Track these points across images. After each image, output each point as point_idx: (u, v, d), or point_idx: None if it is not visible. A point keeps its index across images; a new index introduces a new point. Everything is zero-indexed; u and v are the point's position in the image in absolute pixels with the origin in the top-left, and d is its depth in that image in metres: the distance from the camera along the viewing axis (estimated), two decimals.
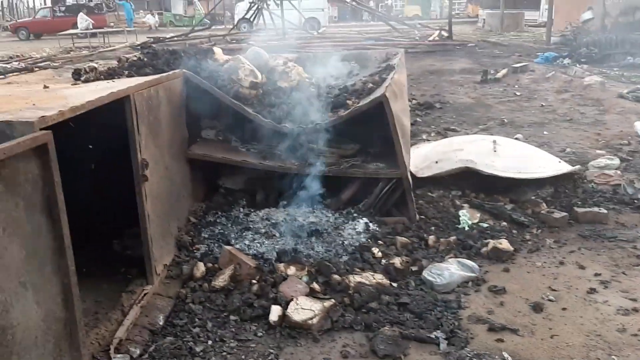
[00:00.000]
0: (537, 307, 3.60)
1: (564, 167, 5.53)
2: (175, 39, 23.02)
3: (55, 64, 16.21)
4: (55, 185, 2.56)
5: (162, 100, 4.13)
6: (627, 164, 6.13)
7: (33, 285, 2.48)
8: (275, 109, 4.86)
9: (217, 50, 5.18)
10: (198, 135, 5.02)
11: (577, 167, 5.71)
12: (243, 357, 3.22)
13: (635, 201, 5.15)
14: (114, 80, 4.44)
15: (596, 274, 4.00)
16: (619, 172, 5.72)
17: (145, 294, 3.68)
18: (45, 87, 3.94)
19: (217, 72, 4.91)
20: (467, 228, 4.68)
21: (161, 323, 3.51)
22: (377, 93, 4.55)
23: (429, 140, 7.29)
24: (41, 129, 2.55)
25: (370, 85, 4.89)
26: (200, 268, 3.99)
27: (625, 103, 9.27)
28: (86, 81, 4.58)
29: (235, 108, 4.74)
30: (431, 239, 4.45)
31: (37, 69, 14.96)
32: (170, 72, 4.48)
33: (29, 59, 18.49)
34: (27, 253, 2.43)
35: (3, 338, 2.30)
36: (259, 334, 3.42)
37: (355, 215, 4.61)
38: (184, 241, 4.28)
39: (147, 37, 24.10)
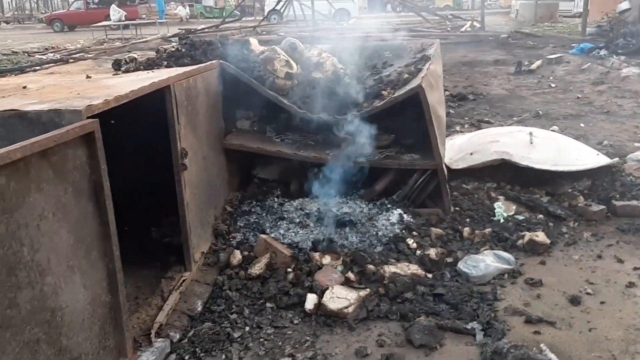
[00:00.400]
0: (574, 301, 3.56)
1: (601, 160, 5.44)
2: (207, 30, 23.18)
3: (89, 56, 16.49)
4: (101, 172, 2.64)
5: (200, 91, 4.19)
6: None
7: (80, 270, 2.56)
8: (310, 100, 4.88)
9: (253, 41, 5.21)
10: (233, 125, 5.08)
11: (615, 159, 5.61)
12: (280, 343, 3.27)
13: None
14: (153, 70, 4.51)
15: (635, 268, 3.94)
16: None
17: (183, 281, 3.76)
18: (87, 77, 4.03)
19: (253, 62, 4.94)
20: (502, 220, 4.64)
21: (199, 309, 3.59)
22: (413, 84, 4.53)
23: (462, 132, 7.24)
24: (88, 118, 2.63)
25: (406, 75, 4.87)
26: (237, 256, 4.05)
27: None
28: (126, 71, 4.66)
29: (270, 99, 4.78)
30: (466, 230, 4.43)
31: (72, 60, 15.24)
32: (208, 63, 4.53)
33: (63, 51, 18.86)
34: (75, 238, 2.51)
35: (53, 319, 2.38)
36: (295, 322, 3.47)
37: (389, 206, 4.62)
38: (220, 229, 4.34)
39: (179, 29, 24.34)
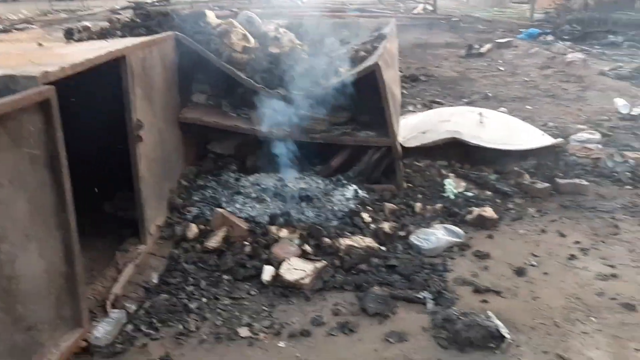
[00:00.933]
0: (519, 272, 3.74)
1: (546, 140, 5.67)
2: (157, 4, 22.56)
3: (33, 27, 15.83)
4: (58, 140, 2.59)
5: (156, 62, 4.13)
6: (608, 139, 6.29)
7: (37, 239, 2.53)
8: (267, 75, 4.87)
9: (210, 13, 5.14)
10: (188, 99, 5.02)
11: (559, 140, 5.85)
12: (237, 314, 3.32)
13: (615, 174, 5.30)
14: (107, 40, 4.41)
15: (576, 242, 4.15)
16: (599, 146, 5.89)
17: (139, 253, 3.74)
18: (39, 44, 3.91)
19: (210, 35, 4.88)
20: (452, 196, 4.79)
21: (155, 281, 3.59)
22: (370, 61, 4.60)
23: (415, 112, 7.37)
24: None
25: (363, 53, 4.93)
26: (193, 229, 4.05)
27: (606, 80, 9.43)
28: (79, 40, 4.53)
29: (227, 72, 4.74)
30: (418, 206, 4.56)
31: (15, 31, 14.59)
32: (164, 34, 4.46)
33: (5, 21, 18.03)
34: (31, 206, 2.48)
35: (8, 287, 2.36)
36: (252, 293, 3.52)
37: (344, 182, 4.69)
38: (176, 203, 4.32)
39: (128, 1, 23.59)
